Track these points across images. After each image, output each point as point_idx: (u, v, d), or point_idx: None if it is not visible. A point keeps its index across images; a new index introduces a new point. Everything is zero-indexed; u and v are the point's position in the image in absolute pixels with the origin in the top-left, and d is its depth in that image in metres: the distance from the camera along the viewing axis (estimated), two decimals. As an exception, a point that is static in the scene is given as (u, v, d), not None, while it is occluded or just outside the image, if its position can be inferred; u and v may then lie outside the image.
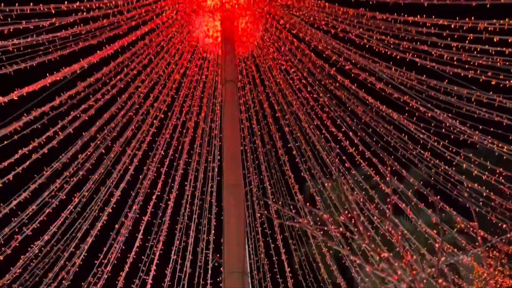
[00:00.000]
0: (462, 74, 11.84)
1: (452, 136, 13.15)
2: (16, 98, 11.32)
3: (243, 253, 7.47)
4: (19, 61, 10.84)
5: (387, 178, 10.95)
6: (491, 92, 11.83)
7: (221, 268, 15.71)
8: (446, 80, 12.13)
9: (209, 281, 16.51)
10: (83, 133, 13.56)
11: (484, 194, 13.72)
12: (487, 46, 11.14)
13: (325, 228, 10.48)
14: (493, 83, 11.56)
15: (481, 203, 13.66)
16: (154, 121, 15.00)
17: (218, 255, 15.72)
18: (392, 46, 12.69)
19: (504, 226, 13.45)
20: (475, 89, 11.97)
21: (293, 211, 13.47)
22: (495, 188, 13.60)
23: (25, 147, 12.40)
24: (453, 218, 14.62)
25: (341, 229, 10.24)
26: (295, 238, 16.79)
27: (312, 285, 17.53)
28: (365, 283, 17.89)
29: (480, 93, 11.88)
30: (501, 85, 11.63)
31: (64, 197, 13.83)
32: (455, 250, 15.45)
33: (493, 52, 11.06)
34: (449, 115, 12.65)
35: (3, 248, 13.33)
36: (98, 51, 12.66)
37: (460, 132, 13.04)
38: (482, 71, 11.55)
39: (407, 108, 13.35)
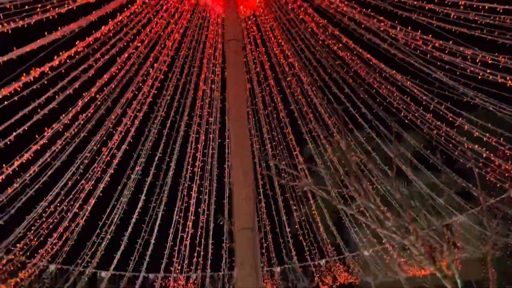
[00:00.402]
0: (468, 34, 11.66)
1: (455, 98, 13.13)
2: (15, 57, 11.07)
3: (253, 210, 7.54)
4: (17, 19, 10.55)
5: (393, 140, 10.95)
6: (496, 53, 11.72)
7: (225, 226, 16.05)
8: (452, 41, 11.97)
9: (210, 241, 16.83)
10: (83, 94, 13.38)
11: (484, 155, 13.88)
12: (495, 4, 10.94)
13: (328, 189, 10.61)
14: (499, 42, 11.42)
15: (481, 164, 13.83)
16: (155, 82, 14.80)
17: (220, 215, 16.06)
18: (398, 4, 12.42)
19: (507, 185, 13.63)
20: (476, 50, 11.85)
21: (295, 172, 13.62)
22: (495, 150, 13.72)
23: (26, 107, 12.24)
24: (450, 181, 14.82)
25: (345, 189, 10.35)
26: (296, 199, 17.04)
27: (312, 244, 17.95)
28: (363, 243, 18.33)
29: (485, 54, 11.77)
30: (506, 45, 11.52)
31: (66, 158, 13.81)
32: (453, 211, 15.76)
33: (501, 11, 10.87)
34: (453, 76, 12.56)
35: (7, 209, 13.41)
36: (96, 9, 12.31)
37: (463, 94, 13.00)
38: (488, 31, 11.39)
39: (411, 69, 13.23)
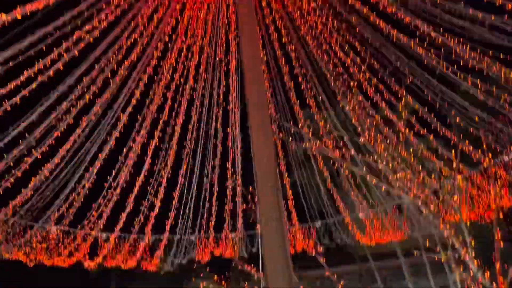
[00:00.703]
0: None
1: (461, 62, 13.16)
2: (19, 17, 10.81)
3: (275, 168, 7.69)
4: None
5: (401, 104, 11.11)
6: (505, 16, 11.70)
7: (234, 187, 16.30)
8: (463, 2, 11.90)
9: (214, 203, 17.13)
10: (88, 55, 13.19)
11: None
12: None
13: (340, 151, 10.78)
14: (509, 7, 11.39)
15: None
16: (159, 43, 14.60)
17: (234, 176, 16.28)
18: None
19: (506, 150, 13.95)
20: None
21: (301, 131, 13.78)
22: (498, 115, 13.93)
23: (30, 68, 12.07)
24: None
25: (352, 151, 10.56)
26: (299, 162, 17.31)
27: (312, 207, 18.36)
28: (361, 204, 18.75)
29: (494, 17, 11.75)
30: (516, 9, 11.47)
31: (72, 121, 13.78)
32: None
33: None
34: (461, 40, 12.55)
35: (13, 171, 13.46)
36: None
37: (469, 58, 13.02)
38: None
39: (418, 33, 13.16)
